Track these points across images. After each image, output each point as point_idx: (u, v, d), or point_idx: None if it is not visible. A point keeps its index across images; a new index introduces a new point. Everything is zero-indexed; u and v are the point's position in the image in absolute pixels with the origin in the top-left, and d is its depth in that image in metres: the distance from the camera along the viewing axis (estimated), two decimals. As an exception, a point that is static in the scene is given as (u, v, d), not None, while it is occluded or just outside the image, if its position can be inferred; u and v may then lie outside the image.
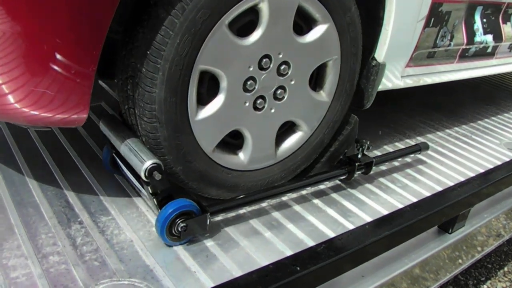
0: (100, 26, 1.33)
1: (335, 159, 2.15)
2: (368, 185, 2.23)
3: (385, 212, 2.01)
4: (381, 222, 1.86)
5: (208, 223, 1.67)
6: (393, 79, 2.19)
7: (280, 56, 1.70)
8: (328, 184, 2.17)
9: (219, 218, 1.83)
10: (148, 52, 1.51)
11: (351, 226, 1.88)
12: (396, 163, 2.46)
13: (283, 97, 1.80)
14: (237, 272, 1.57)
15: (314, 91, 1.92)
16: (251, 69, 1.66)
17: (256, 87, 1.71)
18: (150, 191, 1.66)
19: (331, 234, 1.81)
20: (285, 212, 1.93)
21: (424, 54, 2.29)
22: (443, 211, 2.02)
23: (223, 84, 1.64)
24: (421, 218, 1.91)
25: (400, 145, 2.69)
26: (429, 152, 2.66)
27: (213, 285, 1.51)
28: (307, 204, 2.01)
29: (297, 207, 1.98)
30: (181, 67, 1.53)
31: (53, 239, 1.63)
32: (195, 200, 1.66)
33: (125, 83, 1.64)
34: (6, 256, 1.54)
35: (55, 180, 1.94)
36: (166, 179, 1.65)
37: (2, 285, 1.43)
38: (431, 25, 2.19)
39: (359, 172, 2.16)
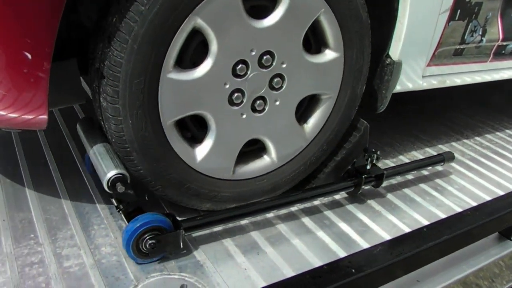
0: (50, 22, 1.23)
1: (342, 170, 1.95)
2: (423, 186, 2.15)
3: (442, 215, 1.93)
4: (439, 226, 1.77)
5: (181, 240, 1.53)
6: (412, 79, 1.97)
7: (253, 53, 1.52)
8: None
9: (271, 215, 1.80)
10: (113, 141, 1.51)
11: (406, 229, 1.81)
12: (453, 164, 2.36)
13: (282, 86, 1.64)
14: (287, 271, 1.54)
15: (319, 53, 1.69)
16: (227, 86, 1.52)
17: (245, 97, 1.58)
18: (115, 203, 1.58)
19: (386, 236, 1.75)
20: (337, 211, 1.87)
21: (450, 52, 2.04)
22: (505, 216, 1.91)
23: (208, 118, 1.56)
24: (482, 223, 1.81)
25: (457, 145, 2.58)
26: (489, 153, 2.54)
27: (263, 282, 1.48)
28: (361, 204, 1.95)
29: (349, 206, 1.92)
30: (149, 139, 1.49)
31: (106, 230, 1.64)
32: (169, 214, 1.55)
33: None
34: (60, 245, 1.55)
35: (108, 171, 1.96)
36: (132, 192, 1.54)
37: (56, 273, 1.44)
38: (457, 18, 1.94)
39: (368, 185, 1.96)
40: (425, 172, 2.24)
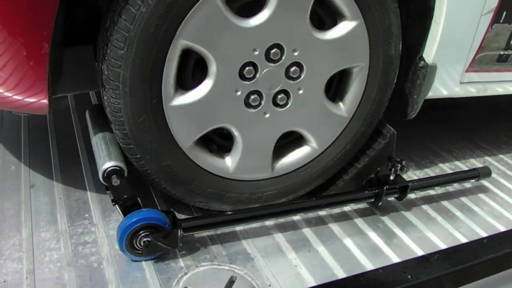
0: (48, 6, 1.20)
1: (364, 178, 1.82)
2: (481, 195, 2.06)
3: (501, 227, 1.84)
4: (501, 238, 1.69)
5: (179, 240, 1.45)
6: (448, 85, 1.81)
7: (257, 52, 1.42)
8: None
9: (323, 213, 1.77)
10: (142, 174, 1.53)
11: (462, 239, 1.74)
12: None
13: (301, 74, 1.52)
14: (338, 271, 1.50)
15: (335, 27, 1.52)
16: (239, 92, 1.46)
17: (263, 96, 1.50)
18: (111, 196, 1.51)
19: (441, 245, 1.69)
20: (392, 215, 1.82)
21: (493, 57, 1.85)
22: None
23: (229, 128, 1.52)
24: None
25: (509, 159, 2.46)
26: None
27: (313, 281, 1.45)
28: (416, 210, 1.88)
29: (404, 211, 1.86)
30: (173, 167, 1.49)
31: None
32: (168, 212, 1.49)
33: None
34: (113, 227, 1.57)
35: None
36: (129, 186, 1.50)
37: (108, 254, 1.46)
38: (502, 20, 1.75)
39: (391, 197, 1.83)
40: (484, 182, 2.14)
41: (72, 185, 1.74)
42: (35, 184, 1.75)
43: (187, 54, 1.39)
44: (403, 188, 1.79)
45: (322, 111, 1.63)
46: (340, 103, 1.67)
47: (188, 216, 1.60)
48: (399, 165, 1.76)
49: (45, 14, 1.19)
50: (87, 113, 1.82)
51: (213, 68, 1.39)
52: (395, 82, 1.71)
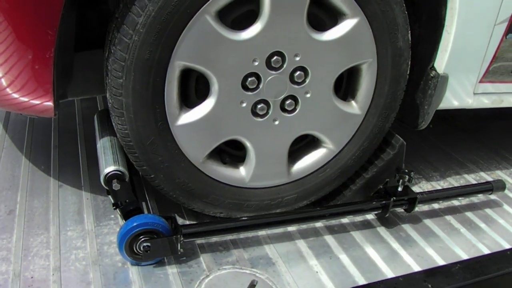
0: (52, 7, 1.21)
1: (372, 189, 1.80)
2: (506, 207, 2.02)
3: (527, 240, 1.82)
4: (525, 250, 1.67)
5: (178, 245, 1.44)
6: (461, 95, 1.78)
7: (257, 63, 1.42)
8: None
9: (345, 220, 1.77)
10: (160, 191, 1.56)
11: (485, 250, 1.72)
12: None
13: (306, 78, 1.50)
14: (359, 279, 1.50)
15: (335, 27, 1.49)
16: (244, 104, 1.47)
17: (270, 104, 1.50)
18: (112, 201, 1.52)
19: (463, 255, 1.67)
20: (415, 225, 1.81)
21: (508, 68, 1.81)
22: None
23: (239, 139, 1.54)
24: None
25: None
26: None
27: (334, 288, 1.46)
28: (439, 220, 1.87)
29: (427, 221, 1.85)
30: (188, 183, 1.52)
31: (183, 218, 1.68)
32: (169, 217, 1.48)
33: None
34: (139, 228, 1.60)
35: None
36: (130, 191, 1.51)
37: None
38: None
39: (400, 208, 1.78)
40: (510, 194, 2.12)
41: (99, 186, 1.77)
42: (63, 184, 1.80)
43: (188, 72, 1.41)
44: (411, 200, 1.75)
45: (333, 112, 1.62)
46: (352, 101, 1.66)
47: (191, 222, 1.62)
48: (407, 176, 1.72)
49: (50, 19, 1.22)
50: (95, 117, 1.85)
51: (214, 83, 1.41)
52: (408, 73, 1.67)
